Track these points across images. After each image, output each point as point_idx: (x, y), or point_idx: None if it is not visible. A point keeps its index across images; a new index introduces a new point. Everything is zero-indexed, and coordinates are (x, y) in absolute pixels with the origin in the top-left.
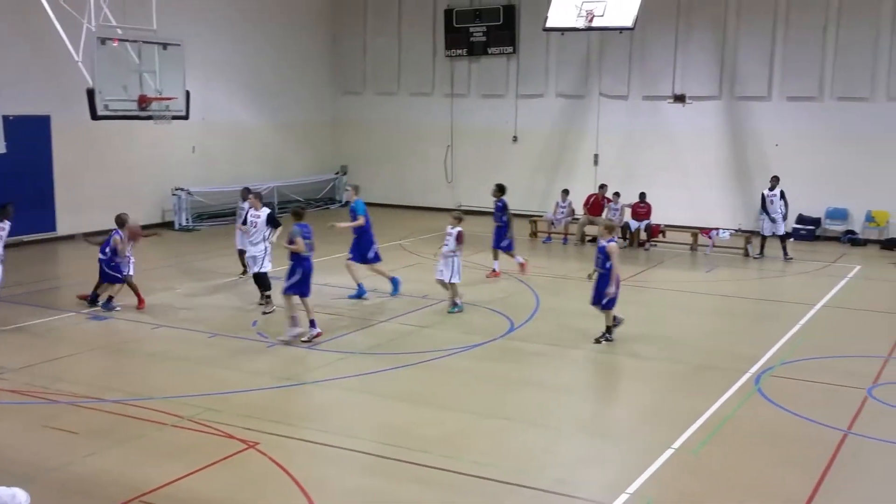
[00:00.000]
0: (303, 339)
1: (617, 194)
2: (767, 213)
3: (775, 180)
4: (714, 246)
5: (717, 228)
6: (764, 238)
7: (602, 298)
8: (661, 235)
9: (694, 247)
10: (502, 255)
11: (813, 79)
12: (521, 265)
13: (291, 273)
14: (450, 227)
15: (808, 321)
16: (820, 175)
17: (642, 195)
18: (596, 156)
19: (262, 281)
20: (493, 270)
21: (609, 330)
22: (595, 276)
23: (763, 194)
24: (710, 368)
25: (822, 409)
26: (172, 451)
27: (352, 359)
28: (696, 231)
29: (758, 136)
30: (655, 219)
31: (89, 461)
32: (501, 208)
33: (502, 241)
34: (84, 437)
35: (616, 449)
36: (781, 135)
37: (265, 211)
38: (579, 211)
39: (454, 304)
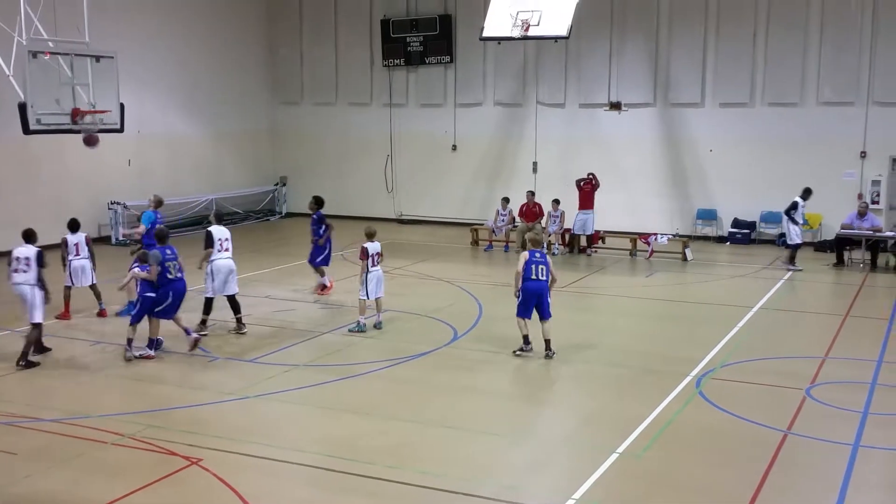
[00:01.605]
0: (136, 354)
1: (556, 201)
2: (794, 221)
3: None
4: (655, 251)
5: (655, 234)
6: (798, 247)
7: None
8: (600, 241)
9: (633, 252)
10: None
11: (744, 85)
12: (327, 286)
13: (164, 297)
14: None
15: (746, 323)
16: (754, 179)
17: (590, 175)
18: (535, 163)
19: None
20: (324, 286)
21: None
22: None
23: (797, 202)
24: (651, 372)
25: (762, 409)
26: (114, 469)
27: (295, 371)
28: (636, 236)
29: (692, 142)
30: (595, 225)
31: (29, 482)
32: (317, 221)
33: (318, 256)
34: (23, 457)
35: (561, 455)
36: (715, 140)
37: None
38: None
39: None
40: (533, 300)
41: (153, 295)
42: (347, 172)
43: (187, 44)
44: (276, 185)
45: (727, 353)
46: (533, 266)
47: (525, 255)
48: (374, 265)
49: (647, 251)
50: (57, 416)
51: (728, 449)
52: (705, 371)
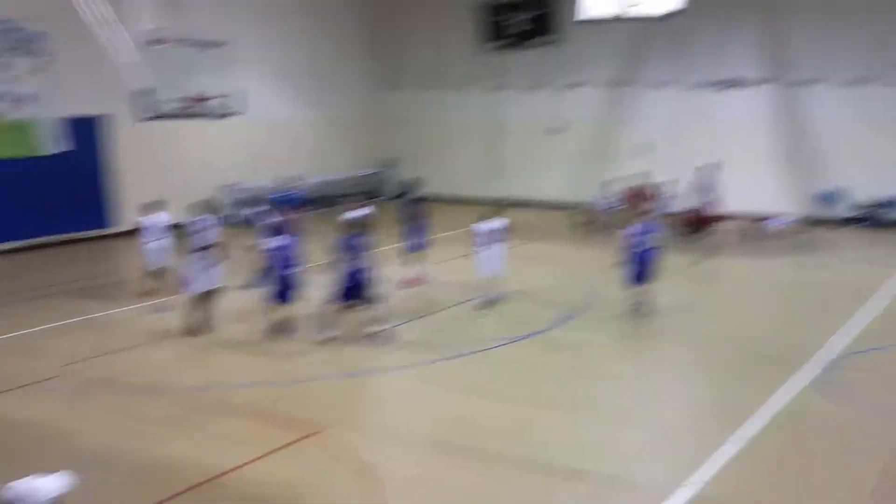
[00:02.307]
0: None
1: (664, 183)
2: None
3: None
4: (772, 234)
5: (774, 216)
6: None
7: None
8: (717, 224)
9: (751, 234)
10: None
11: (871, 61)
12: (414, 279)
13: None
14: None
15: (873, 310)
16: (880, 160)
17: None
18: (643, 144)
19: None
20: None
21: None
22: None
23: None
24: (771, 358)
25: (889, 400)
26: (237, 438)
27: (405, 349)
28: (754, 219)
29: (814, 121)
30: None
31: (160, 447)
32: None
33: (410, 241)
34: (155, 423)
35: (675, 439)
36: (839, 119)
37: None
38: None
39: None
40: (640, 268)
41: (289, 273)
42: (451, 155)
43: (295, 32)
44: (385, 167)
45: (854, 341)
46: (639, 237)
47: (629, 229)
48: (482, 244)
49: (765, 234)
50: (187, 386)
51: (850, 440)
52: (829, 358)
